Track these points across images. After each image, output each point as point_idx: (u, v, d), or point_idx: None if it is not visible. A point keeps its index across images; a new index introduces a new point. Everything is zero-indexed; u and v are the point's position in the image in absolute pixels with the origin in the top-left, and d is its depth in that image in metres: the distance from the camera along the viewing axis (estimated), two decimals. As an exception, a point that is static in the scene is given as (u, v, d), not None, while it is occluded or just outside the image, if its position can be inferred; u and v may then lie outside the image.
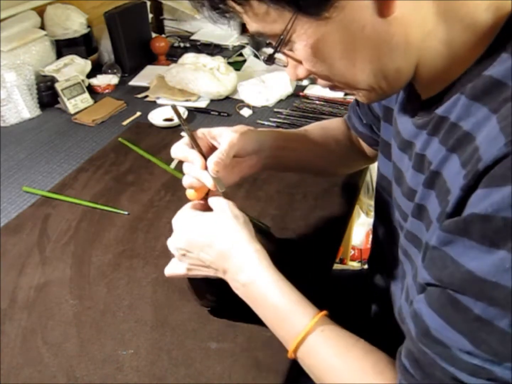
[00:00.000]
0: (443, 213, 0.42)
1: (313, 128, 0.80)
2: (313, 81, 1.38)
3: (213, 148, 0.62)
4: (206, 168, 0.58)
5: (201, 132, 0.64)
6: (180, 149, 0.61)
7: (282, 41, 0.45)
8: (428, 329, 0.41)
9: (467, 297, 0.38)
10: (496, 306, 0.36)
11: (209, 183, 0.58)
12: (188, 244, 0.57)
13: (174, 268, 0.62)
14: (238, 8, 0.45)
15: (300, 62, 0.49)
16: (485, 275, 0.36)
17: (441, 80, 0.47)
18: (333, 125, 0.82)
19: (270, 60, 0.50)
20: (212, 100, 1.30)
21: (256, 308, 0.54)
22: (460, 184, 0.39)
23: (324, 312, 0.51)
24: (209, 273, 0.58)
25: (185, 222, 0.58)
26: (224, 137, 0.62)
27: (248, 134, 0.64)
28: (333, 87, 0.52)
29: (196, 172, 0.59)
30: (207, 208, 0.60)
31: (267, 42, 0.49)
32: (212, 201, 0.59)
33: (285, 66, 0.53)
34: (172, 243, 0.60)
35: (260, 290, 0.53)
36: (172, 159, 1.02)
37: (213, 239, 0.55)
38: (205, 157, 0.59)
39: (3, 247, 0.80)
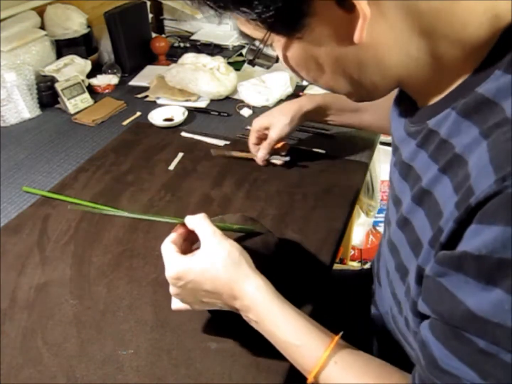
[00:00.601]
0: (436, 240, 0.42)
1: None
2: (313, 81, 1.38)
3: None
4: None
5: (257, 127, 0.93)
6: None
7: (260, 51, 0.49)
8: (436, 361, 0.41)
9: (469, 334, 0.38)
10: (499, 344, 0.36)
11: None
12: (194, 297, 0.58)
13: (182, 304, 0.61)
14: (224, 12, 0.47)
15: None
16: (485, 315, 0.36)
17: (435, 91, 0.47)
18: None
19: (251, 63, 0.54)
20: (212, 100, 1.30)
21: (271, 342, 0.55)
22: (452, 212, 0.39)
23: (336, 339, 0.51)
24: (224, 308, 0.58)
25: (181, 275, 0.56)
26: (273, 130, 0.91)
27: (293, 123, 0.90)
28: None
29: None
30: (187, 236, 0.60)
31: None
32: (200, 234, 0.57)
33: (268, 68, 0.55)
34: (177, 296, 0.59)
35: (270, 327, 0.54)
36: (171, 160, 1.02)
37: (217, 287, 0.55)
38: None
39: (3, 247, 0.80)
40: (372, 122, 0.91)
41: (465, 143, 0.41)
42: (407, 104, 0.54)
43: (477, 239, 0.36)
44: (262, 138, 0.95)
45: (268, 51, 0.52)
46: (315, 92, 1.29)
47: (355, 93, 0.51)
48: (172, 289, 0.58)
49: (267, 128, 0.92)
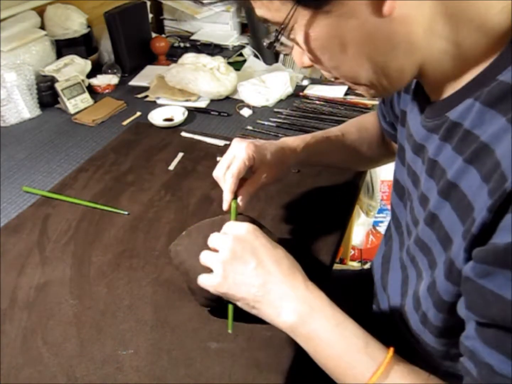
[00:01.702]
0: (468, 232, 0.41)
1: (350, 131, 0.83)
2: (313, 81, 1.38)
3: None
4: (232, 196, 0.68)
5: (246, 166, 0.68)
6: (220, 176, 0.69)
7: (283, 30, 0.46)
8: (492, 368, 0.40)
9: None
10: None
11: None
12: (242, 281, 0.55)
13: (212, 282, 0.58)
14: None
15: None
16: None
17: (451, 82, 0.47)
18: (369, 123, 0.84)
19: (270, 47, 0.50)
20: (212, 100, 1.30)
21: (317, 359, 0.52)
22: (485, 202, 0.39)
23: (389, 358, 0.48)
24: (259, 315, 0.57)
25: (250, 237, 0.56)
26: (256, 175, 0.70)
27: (278, 169, 0.72)
28: (336, 78, 0.52)
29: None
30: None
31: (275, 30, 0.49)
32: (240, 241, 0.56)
33: (286, 55, 0.53)
34: (223, 269, 0.56)
35: (321, 342, 0.51)
36: (171, 160, 1.02)
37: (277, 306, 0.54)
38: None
39: (3, 247, 0.80)
40: (336, 162, 0.87)
41: (491, 132, 0.40)
42: (422, 103, 0.54)
43: None
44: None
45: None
46: (314, 93, 1.30)
47: (376, 82, 0.48)
48: (223, 253, 0.56)
49: (257, 159, 0.70)
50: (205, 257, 0.58)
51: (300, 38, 0.47)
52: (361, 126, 0.84)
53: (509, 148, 0.37)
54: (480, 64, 0.44)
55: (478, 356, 0.41)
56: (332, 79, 0.53)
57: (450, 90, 0.47)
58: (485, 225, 0.39)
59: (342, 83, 0.52)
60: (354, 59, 0.46)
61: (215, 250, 0.58)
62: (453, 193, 0.45)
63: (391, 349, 0.49)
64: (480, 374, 0.41)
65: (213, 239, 0.58)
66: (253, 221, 0.69)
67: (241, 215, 0.68)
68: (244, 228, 0.57)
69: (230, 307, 0.60)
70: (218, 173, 0.69)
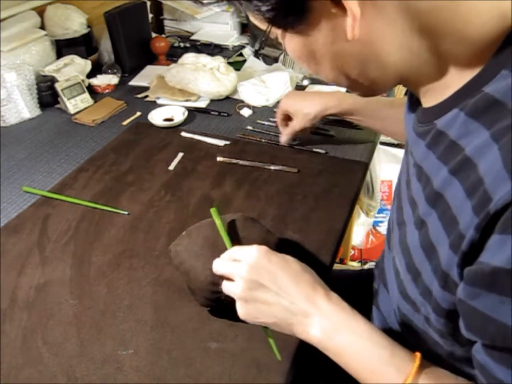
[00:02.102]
0: (457, 246, 0.41)
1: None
2: (313, 81, 1.38)
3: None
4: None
5: (282, 111, 1.01)
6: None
7: (264, 42, 0.50)
8: (502, 381, 0.40)
9: None
10: None
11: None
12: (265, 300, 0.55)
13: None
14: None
15: None
16: None
17: (439, 90, 0.47)
18: None
19: (256, 55, 0.56)
20: (212, 100, 1.30)
21: (349, 370, 0.52)
22: (471, 218, 0.39)
23: (416, 367, 0.47)
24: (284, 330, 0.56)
25: (267, 261, 0.55)
26: (296, 121, 0.99)
27: (316, 119, 0.97)
28: None
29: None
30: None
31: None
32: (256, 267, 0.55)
33: (283, 50, 0.57)
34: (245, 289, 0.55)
35: (349, 356, 0.51)
36: (171, 160, 1.02)
37: (293, 292, 0.54)
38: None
39: (3, 247, 0.80)
40: (396, 131, 0.89)
41: (475, 145, 0.40)
42: (416, 104, 0.54)
43: (504, 251, 0.35)
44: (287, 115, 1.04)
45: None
46: (319, 89, 1.29)
47: (355, 88, 0.52)
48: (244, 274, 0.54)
49: (290, 113, 1.00)
50: (226, 288, 0.57)
51: (283, 46, 0.51)
52: None
53: (491, 165, 0.37)
54: (467, 73, 0.43)
55: (488, 370, 0.41)
56: None
57: (439, 97, 0.47)
58: (474, 243, 0.39)
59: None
60: (329, 71, 0.49)
61: (229, 278, 0.57)
62: (439, 202, 0.45)
63: (418, 357, 0.48)
64: None
65: (223, 267, 0.57)
66: (253, 220, 0.69)
67: (242, 214, 0.68)
68: (255, 253, 0.55)
69: (271, 341, 0.59)
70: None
